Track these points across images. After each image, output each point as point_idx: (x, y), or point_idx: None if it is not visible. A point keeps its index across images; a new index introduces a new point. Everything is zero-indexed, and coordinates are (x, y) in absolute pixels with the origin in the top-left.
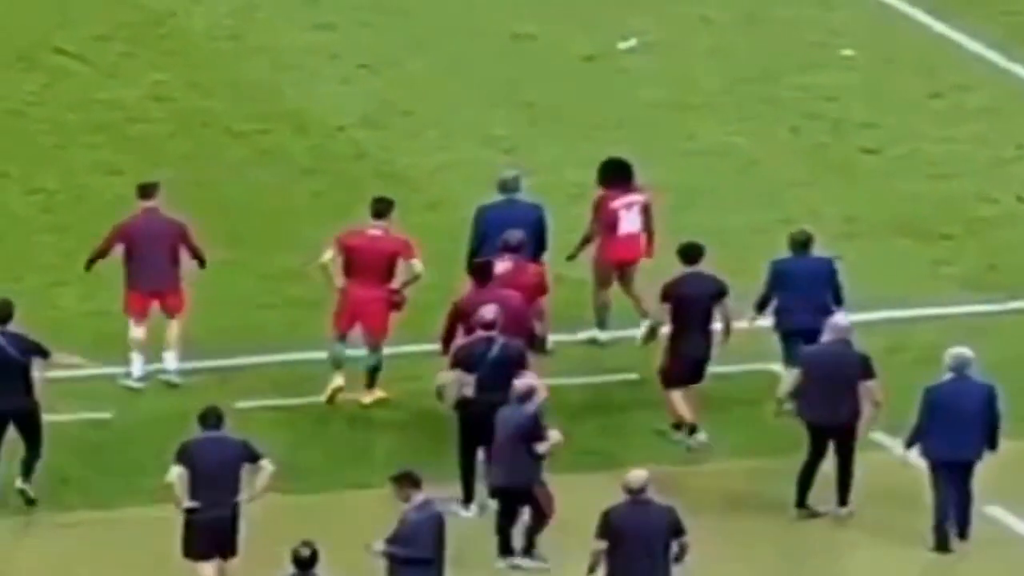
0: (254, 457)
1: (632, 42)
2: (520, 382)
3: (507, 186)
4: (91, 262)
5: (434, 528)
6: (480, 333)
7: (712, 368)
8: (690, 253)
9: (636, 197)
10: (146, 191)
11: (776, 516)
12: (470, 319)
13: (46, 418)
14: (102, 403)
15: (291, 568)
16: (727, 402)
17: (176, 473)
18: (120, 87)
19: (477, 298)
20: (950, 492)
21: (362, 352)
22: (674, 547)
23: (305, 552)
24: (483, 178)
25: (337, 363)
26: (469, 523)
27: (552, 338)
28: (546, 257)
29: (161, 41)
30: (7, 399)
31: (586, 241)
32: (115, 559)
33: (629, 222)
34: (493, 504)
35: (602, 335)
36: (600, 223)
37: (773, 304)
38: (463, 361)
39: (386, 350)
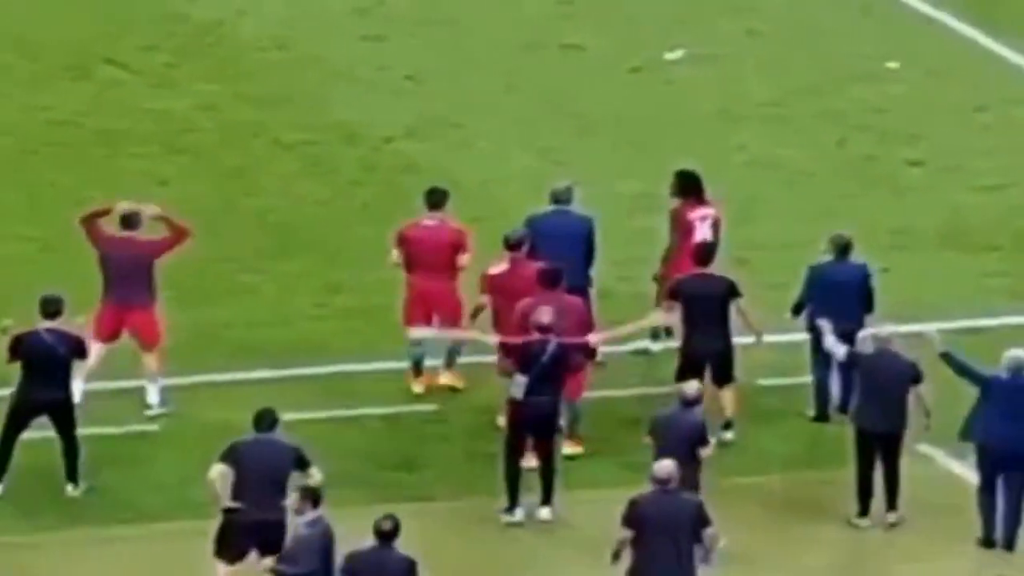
0: (303, 464)
1: (679, 53)
2: (689, 386)
3: (559, 196)
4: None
5: (322, 544)
6: (535, 335)
7: (765, 380)
8: (700, 254)
9: (709, 211)
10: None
11: (827, 526)
12: (528, 321)
13: (94, 431)
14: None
15: (372, 540)
16: (777, 413)
17: (218, 471)
18: (168, 97)
19: (539, 303)
20: (1006, 496)
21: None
22: (704, 539)
23: (387, 525)
24: (532, 189)
25: (417, 365)
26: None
27: (602, 349)
28: (594, 271)
29: (209, 51)
30: (48, 392)
31: (668, 256)
32: (163, 572)
33: (702, 235)
34: (545, 513)
35: (654, 346)
36: (676, 234)
37: (810, 308)
38: (520, 360)
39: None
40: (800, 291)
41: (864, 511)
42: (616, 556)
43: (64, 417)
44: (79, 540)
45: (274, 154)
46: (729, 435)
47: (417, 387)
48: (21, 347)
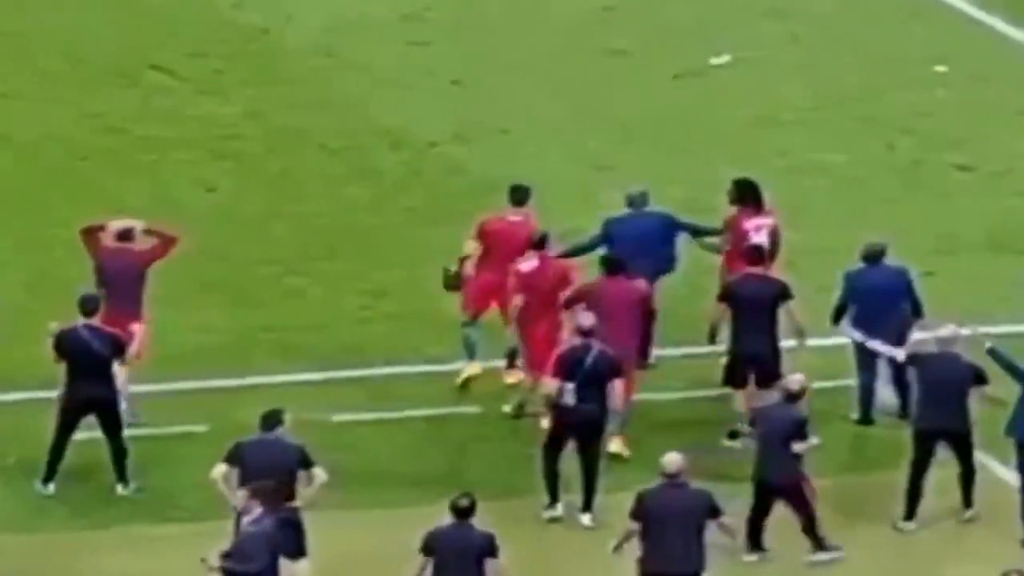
0: (307, 463)
1: (725, 58)
2: (793, 379)
3: (633, 201)
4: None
5: (269, 542)
6: (577, 340)
7: (818, 383)
8: (753, 256)
9: (766, 220)
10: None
11: (872, 529)
12: (588, 302)
13: (141, 432)
14: (195, 416)
15: (449, 518)
16: (821, 416)
17: (219, 471)
18: (215, 104)
19: (603, 287)
20: None
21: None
22: (721, 529)
23: (464, 502)
24: (576, 194)
25: (470, 349)
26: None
27: (655, 352)
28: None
29: (255, 58)
30: (91, 388)
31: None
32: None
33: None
34: (587, 519)
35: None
36: (730, 242)
37: (850, 314)
38: (561, 369)
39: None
40: (838, 298)
41: (910, 515)
42: (618, 547)
43: (109, 416)
44: (129, 538)
45: (320, 159)
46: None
47: (471, 370)
48: (62, 345)
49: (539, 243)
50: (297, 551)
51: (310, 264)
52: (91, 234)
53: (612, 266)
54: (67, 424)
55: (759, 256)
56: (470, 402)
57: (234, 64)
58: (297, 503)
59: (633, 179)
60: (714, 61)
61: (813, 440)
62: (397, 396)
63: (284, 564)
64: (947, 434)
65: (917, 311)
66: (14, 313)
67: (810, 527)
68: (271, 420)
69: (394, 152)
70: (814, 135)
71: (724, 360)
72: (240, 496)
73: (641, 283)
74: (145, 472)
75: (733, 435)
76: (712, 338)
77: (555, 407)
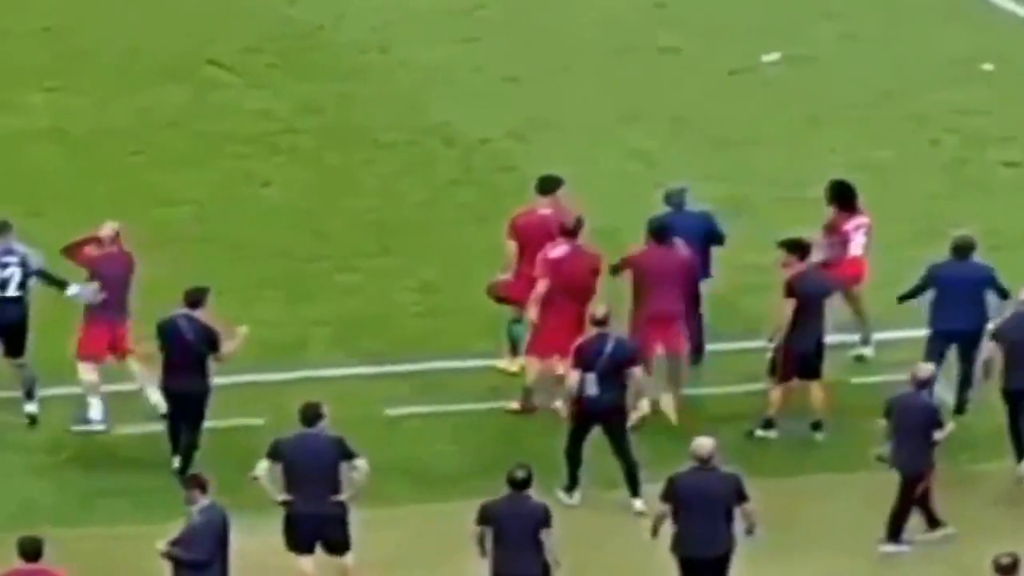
0: (348, 455)
1: (776, 56)
2: (922, 368)
3: (671, 199)
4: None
5: (216, 531)
6: (593, 331)
7: (858, 379)
8: (807, 251)
9: (863, 219)
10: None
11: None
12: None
13: (216, 424)
14: (255, 409)
15: (506, 489)
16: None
17: (263, 468)
18: (269, 99)
19: (650, 253)
20: None
21: None
22: (743, 514)
23: (521, 473)
24: (627, 190)
25: (514, 343)
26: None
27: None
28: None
29: (309, 53)
30: (180, 379)
31: (825, 266)
32: (270, 560)
33: (857, 245)
34: (639, 504)
35: (867, 350)
36: (832, 246)
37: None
38: (581, 360)
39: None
40: (914, 284)
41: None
42: (655, 531)
43: (194, 408)
44: None
45: (373, 154)
46: (820, 436)
47: (512, 366)
48: (160, 333)
49: (572, 231)
50: (343, 544)
51: (363, 259)
52: (75, 250)
53: (660, 233)
54: (172, 412)
55: (805, 250)
56: (518, 397)
57: (288, 59)
58: (342, 496)
59: (683, 176)
60: (765, 58)
61: (950, 426)
62: (447, 390)
63: (330, 559)
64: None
65: (1004, 296)
66: (69, 308)
67: (901, 515)
68: (311, 414)
69: (447, 148)
70: (862, 132)
71: (772, 353)
72: (184, 491)
73: (686, 251)
74: (202, 465)
75: (768, 424)
76: (865, 341)
77: (578, 398)
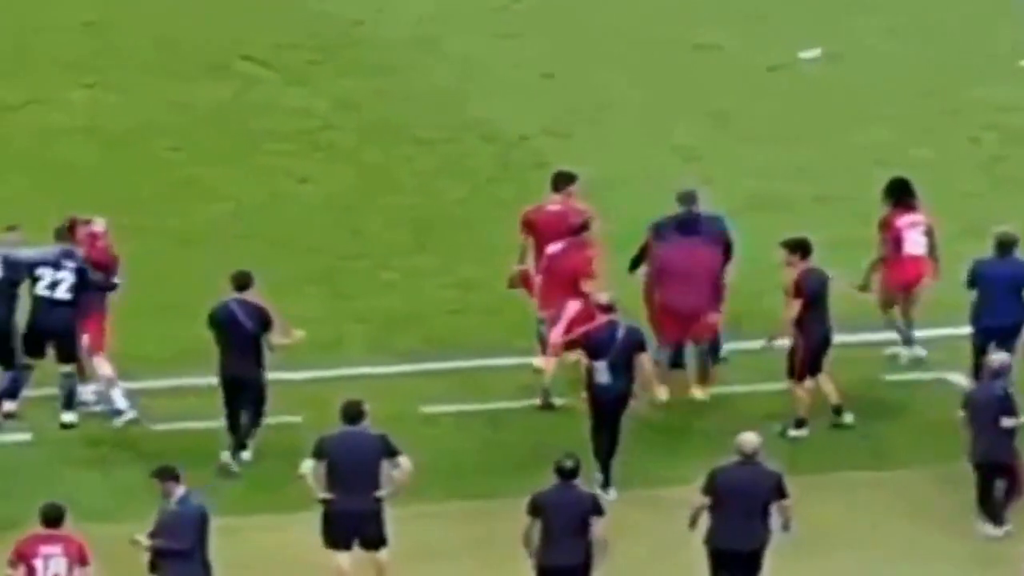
0: (391, 453)
1: (814, 52)
2: (996, 358)
3: (684, 199)
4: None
5: (196, 521)
6: (601, 318)
7: (890, 376)
8: (808, 247)
9: (920, 217)
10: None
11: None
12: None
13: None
14: (293, 406)
15: (554, 478)
16: (906, 410)
17: (308, 466)
18: (308, 95)
19: (670, 249)
20: None
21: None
22: (779, 510)
23: (569, 463)
24: (667, 187)
25: (544, 342)
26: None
27: (727, 347)
28: (730, 266)
29: (348, 50)
30: (237, 364)
31: (876, 265)
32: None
33: (914, 243)
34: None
35: (904, 350)
36: (885, 243)
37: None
38: (591, 348)
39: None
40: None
41: None
42: (693, 522)
43: (252, 393)
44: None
45: (412, 151)
46: (849, 417)
47: (541, 362)
48: (212, 319)
49: (577, 229)
50: (380, 540)
51: (401, 257)
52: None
53: (687, 226)
54: (229, 399)
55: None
56: (556, 394)
57: (327, 55)
58: (383, 493)
59: (722, 171)
60: (803, 55)
61: None
62: (485, 388)
63: (366, 555)
64: None
65: None
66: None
67: (1005, 503)
68: (353, 412)
69: (486, 144)
70: (900, 129)
71: (795, 351)
72: (157, 485)
73: (710, 246)
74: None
75: (800, 424)
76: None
77: (590, 387)
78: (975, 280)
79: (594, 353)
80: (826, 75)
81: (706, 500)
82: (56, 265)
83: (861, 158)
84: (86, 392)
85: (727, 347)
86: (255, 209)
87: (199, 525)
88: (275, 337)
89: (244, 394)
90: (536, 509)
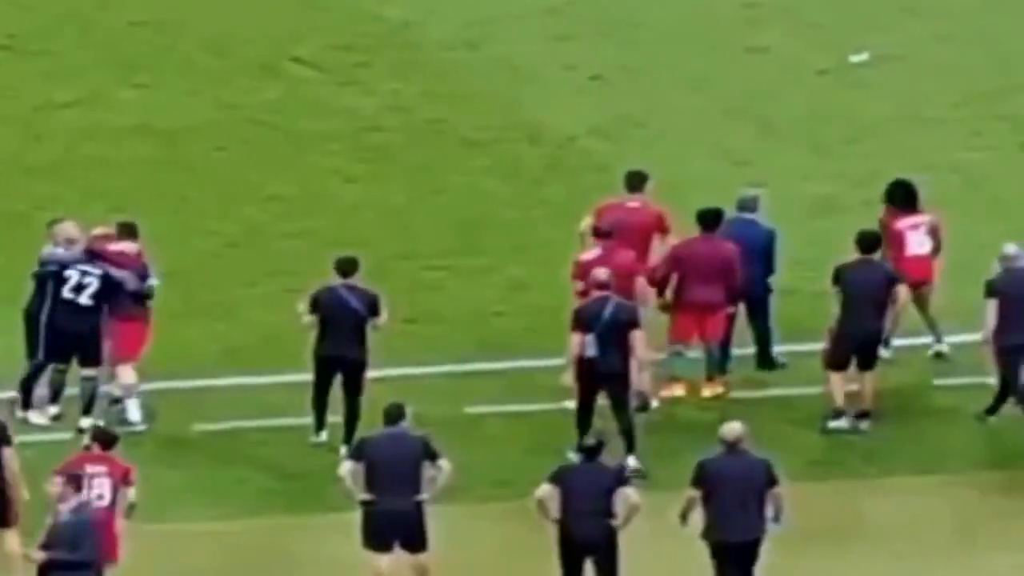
0: (432, 455)
1: (864, 55)
2: None
3: (744, 205)
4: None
5: (89, 530)
6: (595, 293)
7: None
8: (867, 241)
9: (922, 218)
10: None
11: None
12: (682, 264)
13: (286, 422)
14: (336, 407)
15: (576, 457)
16: (951, 413)
17: (346, 468)
18: (356, 96)
19: (694, 244)
20: None
21: None
22: (771, 499)
23: (591, 441)
24: (716, 190)
25: None
26: None
27: (784, 349)
28: (773, 279)
29: (397, 51)
30: (341, 348)
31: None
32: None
33: (916, 243)
34: (632, 461)
35: (943, 346)
36: (887, 244)
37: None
38: (580, 322)
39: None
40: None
41: None
42: (684, 516)
43: (353, 377)
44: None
45: (460, 152)
46: (865, 425)
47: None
48: (319, 303)
49: (606, 233)
50: (422, 543)
51: (449, 257)
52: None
53: (708, 221)
54: (322, 381)
55: (873, 242)
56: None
57: (376, 57)
58: (423, 496)
59: (771, 175)
60: (853, 59)
61: None
62: (534, 389)
63: (408, 558)
64: None
65: None
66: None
67: None
68: (395, 414)
69: (533, 146)
70: (950, 133)
71: (828, 342)
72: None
73: (727, 244)
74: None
75: (837, 414)
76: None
77: (579, 361)
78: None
79: (583, 326)
80: (876, 78)
81: (696, 493)
82: (83, 270)
83: (910, 162)
84: (132, 409)
85: (787, 349)
86: (302, 209)
87: (94, 534)
88: (381, 320)
89: (345, 375)
90: (557, 481)
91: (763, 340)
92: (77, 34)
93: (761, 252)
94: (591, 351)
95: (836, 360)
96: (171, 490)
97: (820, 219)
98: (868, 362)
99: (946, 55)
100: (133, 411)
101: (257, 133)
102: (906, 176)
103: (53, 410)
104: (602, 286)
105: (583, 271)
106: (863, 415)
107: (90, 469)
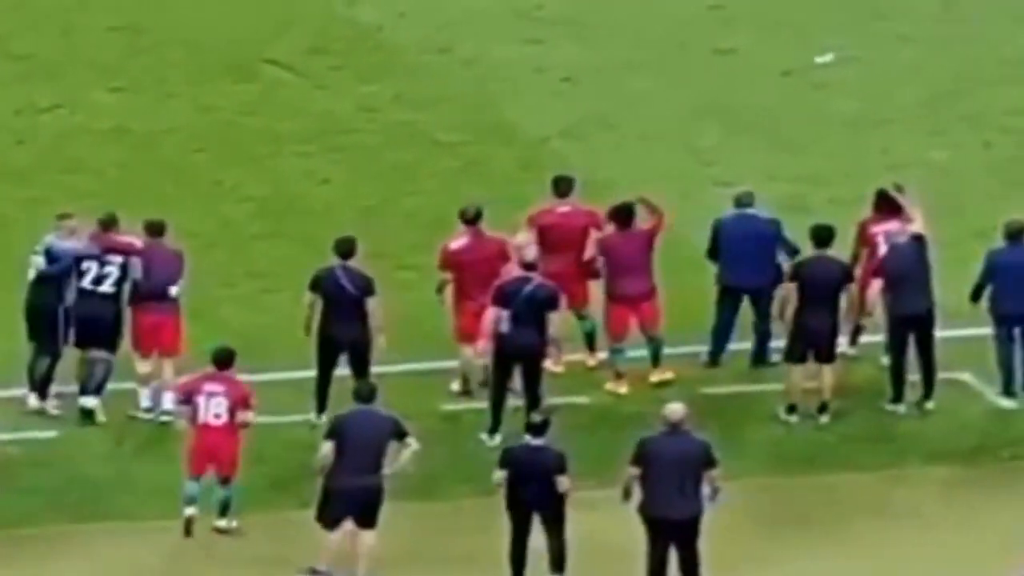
0: (401, 435)
1: (828, 57)
2: None
3: (741, 201)
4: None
5: None
6: (518, 272)
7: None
8: (820, 235)
9: (894, 226)
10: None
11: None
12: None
13: (272, 420)
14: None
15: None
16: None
17: (326, 449)
18: (330, 99)
19: (616, 239)
20: None
21: None
22: (707, 479)
23: (536, 418)
24: (684, 190)
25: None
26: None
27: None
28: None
29: (370, 54)
30: (341, 328)
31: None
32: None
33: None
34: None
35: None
36: (861, 248)
37: (988, 291)
38: (499, 298)
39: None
40: (979, 277)
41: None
42: (626, 493)
43: (359, 357)
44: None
45: (433, 153)
46: (825, 419)
47: (591, 361)
48: (320, 284)
49: (473, 218)
50: (372, 520)
51: (421, 258)
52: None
53: (621, 217)
54: (325, 362)
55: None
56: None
57: (350, 60)
58: (385, 471)
59: (738, 175)
60: (818, 60)
61: None
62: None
63: (355, 532)
64: None
65: None
66: None
67: None
68: (366, 393)
69: (506, 147)
70: (915, 133)
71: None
72: None
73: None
74: (270, 458)
75: (791, 409)
76: (781, 317)
77: (496, 336)
78: (991, 270)
79: (501, 302)
80: (840, 79)
81: (636, 471)
82: (101, 261)
83: (875, 162)
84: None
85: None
86: (277, 210)
87: None
88: (372, 304)
89: (350, 355)
90: (506, 462)
91: (763, 340)
92: (56, 38)
93: (768, 243)
94: (504, 327)
95: (794, 353)
96: (158, 488)
97: (786, 218)
98: (825, 355)
99: (909, 56)
100: (145, 399)
101: (233, 134)
102: (875, 177)
103: (93, 401)
104: (529, 267)
105: (451, 260)
106: (823, 408)
107: (208, 388)
